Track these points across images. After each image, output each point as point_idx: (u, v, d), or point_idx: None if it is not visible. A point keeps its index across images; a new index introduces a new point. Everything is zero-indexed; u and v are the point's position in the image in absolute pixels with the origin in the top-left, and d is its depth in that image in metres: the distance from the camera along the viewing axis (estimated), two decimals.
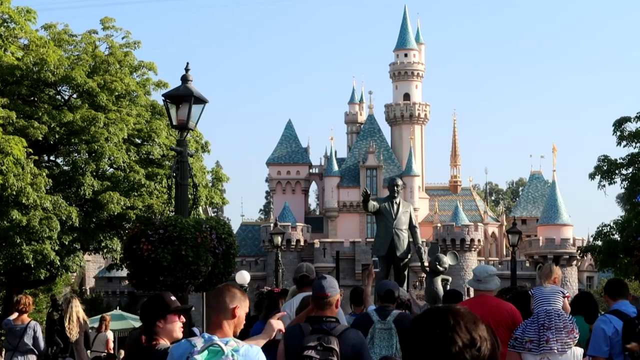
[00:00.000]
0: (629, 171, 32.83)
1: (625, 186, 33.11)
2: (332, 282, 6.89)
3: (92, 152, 26.08)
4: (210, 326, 5.25)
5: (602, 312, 9.35)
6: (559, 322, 8.60)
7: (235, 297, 5.26)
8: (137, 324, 28.25)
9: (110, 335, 19.07)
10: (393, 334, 8.62)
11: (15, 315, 13.44)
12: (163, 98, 10.52)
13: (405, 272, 15.49)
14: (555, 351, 8.42)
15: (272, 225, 51.62)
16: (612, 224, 32.53)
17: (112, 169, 27.34)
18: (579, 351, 8.60)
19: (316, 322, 6.66)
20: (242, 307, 5.26)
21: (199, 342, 5.08)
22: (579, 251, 39.34)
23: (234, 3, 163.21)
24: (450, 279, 15.62)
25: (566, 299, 9.05)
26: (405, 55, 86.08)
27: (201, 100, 10.29)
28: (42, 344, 13.61)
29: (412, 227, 15.34)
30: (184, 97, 10.17)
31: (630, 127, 32.50)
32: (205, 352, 5.00)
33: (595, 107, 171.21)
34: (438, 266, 14.96)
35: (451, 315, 2.50)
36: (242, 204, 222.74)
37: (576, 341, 8.60)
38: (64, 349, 12.59)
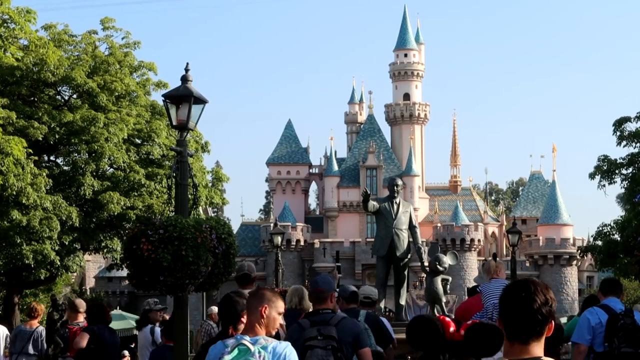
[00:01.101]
0: (629, 171, 32.82)
1: (625, 186, 33.11)
2: (326, 278, 7.53)
3: (92, 152, 26.08)
4: (245, 327, 5.61)
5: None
6: None
7: (264, 298, 5.57)
8: None
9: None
10: (369, 334, 8.86)
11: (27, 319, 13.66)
12: (163, 98, 10.51)
13: (405, 272, 15.49)
14: None
15: (272, 225, 51.64)
16: (612, 224, 32.53)
17: (112, 169, 27.34)
18: None
19: (313, 315, 7.23)
20: (271, 307, 5.55)
21: (231, 343, 5.41)
22: (579, 251, 39.36)
23: (234, 3, 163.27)
24: (450, 278, 15.61)
25: None
26: (405, 55, 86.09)
27: (201, 101, 10.29)
28: (44, 346, 13.80)
29: (412, 227, 15.33)
30: (183, 97, 10.16)
31: (630, 127, 32.50)
32: (235, 351, 5.32)
33: (595, 107, 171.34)
34: (438, 266, 14.95)
35: (531, 283, 3.61)
36: (242, 204, 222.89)
37: None
38: (63, 349, 12.67)
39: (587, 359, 8.95)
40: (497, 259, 11.66)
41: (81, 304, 12.55)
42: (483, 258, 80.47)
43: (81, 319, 12.24)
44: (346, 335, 7.14)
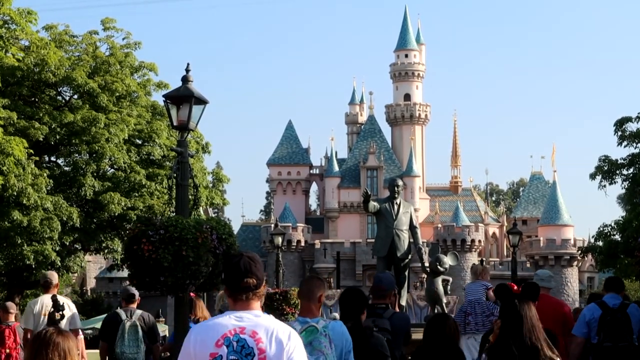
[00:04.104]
0: (629, 171, 32.76)
1: (626, 186, 33.06)
2: (389, 278, 8.50)
3: (93, 152, 26.09)
4: (302, 310, 6.45)
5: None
6: (478, 308, 11.06)
7: (322, 285, 6.53)
8: None
9: None
10: (138, 330, 11.02)
11: None
12: (163, 99, 10.52)
13: (406, 273, 15.49)
14: (476, 331, 10.75)
15: (272, 225, 51.62)
16: (612, 225, 32.50)
17: (112, 170, 27.35)
18: None
19: (370, 308, 7.99)
20: (324, 293, 6.53)
21: (296, 325, 6.18)
22: (580, 251, 39.33)
23: (235, 3, 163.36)
24: (450, 279, 15.64)
25: (490, 290, 11.28)
26: (406, 55, 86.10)
27: (202, 101, 10.30)
28: None
29: (412, 228, 15.32)
30: (184, 97, 10.17)
31: (631, 127, 32.42)
32: (304, 332, 6.11)
33: (596, 108, 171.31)
34: (438, 267, 14.95)
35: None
36: (243, 204, 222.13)
37: None
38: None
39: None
40: (484, 263, 13.29)
41: (12, 306, 13.64)
42: (484, 259, 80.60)
43: (12, 319, 13.24)
44: (400, 328, 8.04)
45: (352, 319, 7.16)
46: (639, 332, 9.72)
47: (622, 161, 32.80)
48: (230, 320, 4.41)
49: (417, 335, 10.61)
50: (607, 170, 32.81)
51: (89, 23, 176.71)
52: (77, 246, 27.11)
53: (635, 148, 32.42)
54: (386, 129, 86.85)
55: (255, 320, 4.42)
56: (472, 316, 10.94)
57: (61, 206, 24.78)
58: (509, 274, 50.57)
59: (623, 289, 10.31)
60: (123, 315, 11.18)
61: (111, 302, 76.13)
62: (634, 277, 32.56)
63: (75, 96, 27.46)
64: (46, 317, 11.22)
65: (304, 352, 4.55)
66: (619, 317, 9.60)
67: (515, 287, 5.72)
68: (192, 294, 11.33)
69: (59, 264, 25.41)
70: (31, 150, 24.26)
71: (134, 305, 11.43)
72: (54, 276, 11.58)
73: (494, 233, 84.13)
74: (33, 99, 27.24)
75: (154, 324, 11.64)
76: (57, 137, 25.98)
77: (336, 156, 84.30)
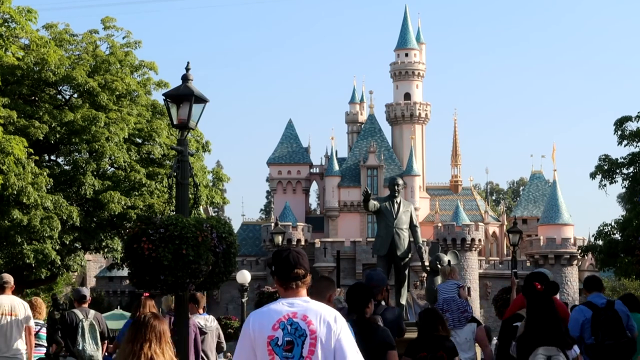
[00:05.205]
0: (629, 170, 32.77)
1: (626, 186, 33.07)
2: (380, 274, 8.87)
3: (93, 151, 26.08)
4: None
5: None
6: (453, 305, 11.63)
7: (331, 286, 6.98)
8: None
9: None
10: (96, 328, 12.12)
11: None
12: (164, 97, 10.51)
13: (406, 272, 15.48)
14: (453, 327, 11.34)
15: (272, 224, 51.61)
16: (613, 224, 32.50)
17: (112, 169, 27.34)
18: (474, 326, 11.54)
19: None
20: (334, 294, 6.97)
21: None
22: (580, 251, 39.35)
23: (235, 3, 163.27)
24: None
25: (461, 288, 12.30)
26: (406, 54, 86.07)
27: (202, 100, 10.30)
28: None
29: (412, 227, 15.31)
30: (184, 96, 10.16)
31: (632, 126, 32.44)
32: None
33: (597, 107, 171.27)
34: (439, 266, 14.95)
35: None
36: (243, 203, 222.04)
37: (469, 318, 11.56)
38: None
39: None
40: (451, 264, 14.27)
41: None
42: (484, 258, 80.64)
43: None
44: (391, 321, 8.52)
45: (357, 312, 7.55)
46: (627, 326, 10.14)
47: (622, 160, 32.82)
48: (283, 307, 5.08)
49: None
50: (607, 169, 32.82)
51: (89, 22, 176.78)
52: (77, 245, 27.11)
53: (635, 147, 32.44)
54: (386, 128, 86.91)
55: (305, 306, 5.08)
56: (448, 313, 11.53)
57: (61, 205, 24.77)
58: (509, 273, 50.56)
59: (603, 287, 10.76)
60: (80, 315, 12.11)
61: (111, 301, 76.14)
62: (634, 275, 32.57)
63: (75, 95, 27.46)
64: (4, 316, 11.69)
65: (349, 332, 5.06)
66: (610, 315, 9.99)
67: (539, 286, 7.29)
68: (145, 293, 11.46)
69: (59, 262, 25.41)
70: (31, 149, 24.26)
71: (86, 305, 12.40)
72: (10, 278, 12.24)
73: (494, 232, 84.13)
74: (33, 97, 27.23)
75: (105, 323, 12.64)
76: (57, 136, 25.97)
77: (336, 155, 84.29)
